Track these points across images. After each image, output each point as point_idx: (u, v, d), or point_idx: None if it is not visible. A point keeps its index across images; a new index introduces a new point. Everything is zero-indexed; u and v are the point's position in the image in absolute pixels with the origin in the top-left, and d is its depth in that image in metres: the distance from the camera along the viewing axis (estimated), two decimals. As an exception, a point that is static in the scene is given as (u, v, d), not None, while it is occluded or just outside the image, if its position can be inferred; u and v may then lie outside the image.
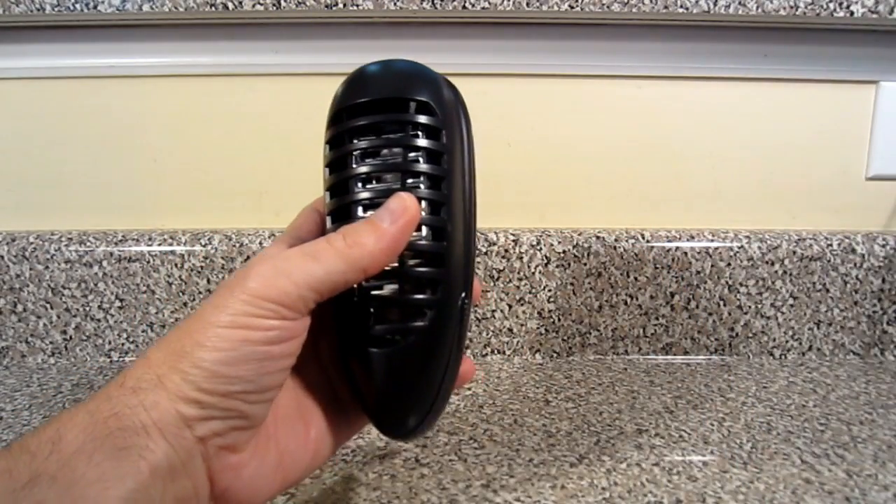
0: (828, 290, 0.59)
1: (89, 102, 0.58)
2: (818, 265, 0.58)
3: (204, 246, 0.57)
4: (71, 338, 0.59)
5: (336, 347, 0.32)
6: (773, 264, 0.58)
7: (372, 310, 0.30)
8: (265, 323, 0.26)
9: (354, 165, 0.30)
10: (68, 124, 0.59)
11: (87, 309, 0.58)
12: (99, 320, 0.59)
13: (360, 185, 0.30)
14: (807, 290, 0.59)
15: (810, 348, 0.60)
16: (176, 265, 0.57)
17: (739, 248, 0.58)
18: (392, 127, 0.30)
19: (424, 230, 0.30)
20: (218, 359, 0.25)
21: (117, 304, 0.58)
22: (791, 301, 0.59)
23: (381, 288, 0.30)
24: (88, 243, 0.58)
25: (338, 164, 0.30)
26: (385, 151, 0.30)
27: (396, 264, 0.30)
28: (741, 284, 0.59)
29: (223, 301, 0.26)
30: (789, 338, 0.60)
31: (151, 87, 0.58)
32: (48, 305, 0.58)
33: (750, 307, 0.59)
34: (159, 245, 0.58)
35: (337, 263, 0.27)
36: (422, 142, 0.30)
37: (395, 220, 0.28)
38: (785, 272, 0.58)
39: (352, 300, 0.30)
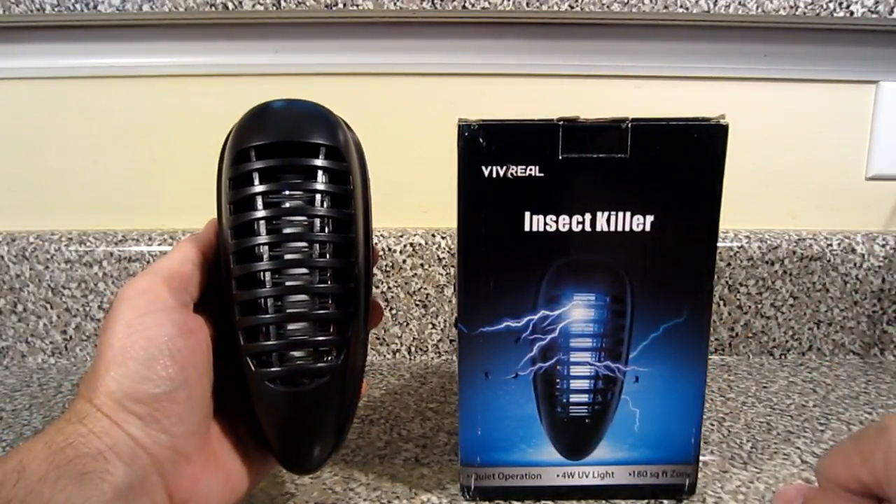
0: (828, 290, 0.59)
1: (89, 102, 0.58)
2: (818, 265, 0.58)
3: (204, 246, 0.57)
4: (71, 338, 0.59)
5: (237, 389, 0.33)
6: (773, 264, 0.58)
7: (274, 349, 0.30)
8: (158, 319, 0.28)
9: (263, 208, 0.30)
10: (68, 124, 0.59)
11: (87, 309, 0.58)
12: (99, 320, 0.59)
13: (265, 226, 0.30)
14: (807, 290, 0.59)
15: (810, 348, 0.60)
16: (176, 265, 0.57)
17: (739, 247, 0.58)
18: (300, 170, 0.30)
19: (331, 272, 0.30)
20: (133, 367, 0.27)
21: (117, 304, 0.58)
22: (791, 301, 0.59)
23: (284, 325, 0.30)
24: (88, 243, 0.58)
25: (244, 203, 0.30)
26: (294, 193, 0.30)
27: (306, 301, 0.30)
28: (741, 284, 0.58)
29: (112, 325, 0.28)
30: (789, 338, 0.60)
31: (151, 87, 0.58)
32: (48, 305, 0.58)
33: (750, 307, 0.59)
34: (159, 245, 0.58)
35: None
36: (330, 187, 0.30)
37: None
38: (785, 272, 0.58)
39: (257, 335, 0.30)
